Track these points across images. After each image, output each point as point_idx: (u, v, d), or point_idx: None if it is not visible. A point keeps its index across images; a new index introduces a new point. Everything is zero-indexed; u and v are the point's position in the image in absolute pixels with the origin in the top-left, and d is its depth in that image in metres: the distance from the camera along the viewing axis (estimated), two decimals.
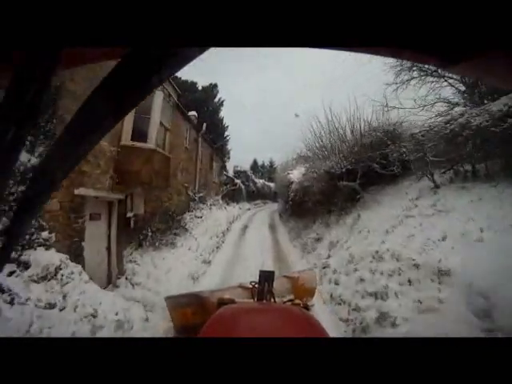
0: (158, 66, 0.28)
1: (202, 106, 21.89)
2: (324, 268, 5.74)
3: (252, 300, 2.43)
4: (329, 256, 6.18)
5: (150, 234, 6.22)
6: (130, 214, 5.87)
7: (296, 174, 12.35)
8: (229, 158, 27.06)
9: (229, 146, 26.56)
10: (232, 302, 2.23)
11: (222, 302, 2.18)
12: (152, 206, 6.97)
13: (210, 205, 12.17)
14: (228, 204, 15.96)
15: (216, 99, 25.10)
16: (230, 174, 22.57)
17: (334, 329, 3.48)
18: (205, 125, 11.29)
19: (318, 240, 7.52)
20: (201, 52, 0.30)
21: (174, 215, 7.52)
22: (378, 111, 8.60)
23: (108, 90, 0.29)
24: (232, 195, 17.86)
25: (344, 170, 7.80)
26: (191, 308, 2.86)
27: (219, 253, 7.77)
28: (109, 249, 4.94)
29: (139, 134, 5.35)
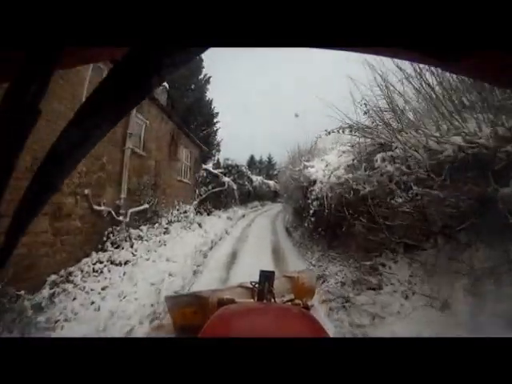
0: (157, 66, 0.28)
1: (182, 84, 17.09)
2: None
3: (252, 300, 2.35)
4: None
5: None
6: None
7: (320, 169, 7.03)
8: (219, 150, 21.98)
9: (218, 136, 21.40)
10: (232, 302, 2.04)
11: (221, 302, 2.00)
12: None
13: (169, 223, 6.86)
14: (209, 213, 10.63)
15: (201, 75, 19.82)
16: (213, 168, 17.21)
17: None
18: None
19: None
20: (201, 52, 0.30)
21: None
22: None
23: (108, 90, 0.28)
24: (218, 199, 12.50)
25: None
26: (191, 308, 2.61)
27: None
28: None
29: None
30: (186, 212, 7.97)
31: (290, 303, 2.15)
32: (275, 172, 36.66)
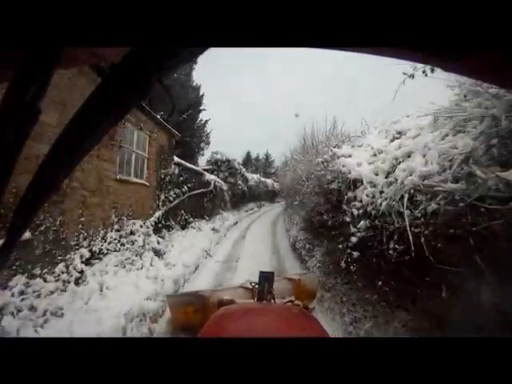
0: (157, 66, 0.28)
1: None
2: None
3: (252, 300, 2.35)
4: None
5: None
6: None
7: (364, 160, 4.01)
8: (208, 143, 19.01)
9: (208, 128, 18.34)
10: (232, 302, 2.10)
11: (221, 303, 2.05)
12: None
13: (91, 259, 3.81)
14: (184, 227, 7.54)
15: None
16: (207, 165, 14.00)
17: None
18: None
19: None
20: (201, 52, 0.29)
21: None
22: None
23: (108, 90, 0.28)
24: (200, 205, 9.42)
25: None
26: (192, 307, 2.73)
27: None
28: None
29: None
30: (132, 233, 4.92)
31: (290, 304, 2.03)
32: (273, 170, 33.75)
